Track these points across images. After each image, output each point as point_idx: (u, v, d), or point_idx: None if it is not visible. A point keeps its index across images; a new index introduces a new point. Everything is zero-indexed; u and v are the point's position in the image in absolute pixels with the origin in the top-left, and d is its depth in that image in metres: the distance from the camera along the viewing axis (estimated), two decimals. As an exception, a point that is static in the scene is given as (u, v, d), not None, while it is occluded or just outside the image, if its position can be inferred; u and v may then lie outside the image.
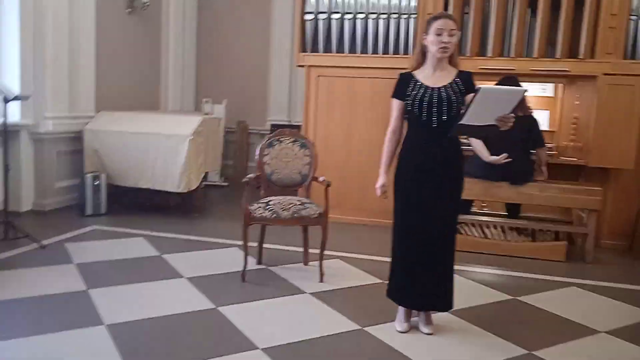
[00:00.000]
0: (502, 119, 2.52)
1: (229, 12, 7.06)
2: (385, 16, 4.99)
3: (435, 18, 2.68)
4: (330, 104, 5.21)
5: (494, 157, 4.08)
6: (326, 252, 3.85)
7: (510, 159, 4.07)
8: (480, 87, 2.42)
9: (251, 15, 6.99)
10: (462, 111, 2.59)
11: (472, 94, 2.54)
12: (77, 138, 5.25)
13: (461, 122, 2.54)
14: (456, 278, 3.67)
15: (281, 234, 4.19)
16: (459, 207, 2.83)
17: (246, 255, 3.46)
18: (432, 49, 2.67)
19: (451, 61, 2.74)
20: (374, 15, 5.02)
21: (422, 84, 2.72)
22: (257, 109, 7.04)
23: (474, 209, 4.76)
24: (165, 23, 6.63)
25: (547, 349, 2.71)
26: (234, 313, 2.96)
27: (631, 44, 4.62)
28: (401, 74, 2.81)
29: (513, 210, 4.65)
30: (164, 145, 4.90)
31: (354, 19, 5.07)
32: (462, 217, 4.54)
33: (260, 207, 3.45)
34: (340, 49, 5.16)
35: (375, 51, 5.05)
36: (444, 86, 2.69)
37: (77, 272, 3.48)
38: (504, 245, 4.41)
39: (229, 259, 3.89)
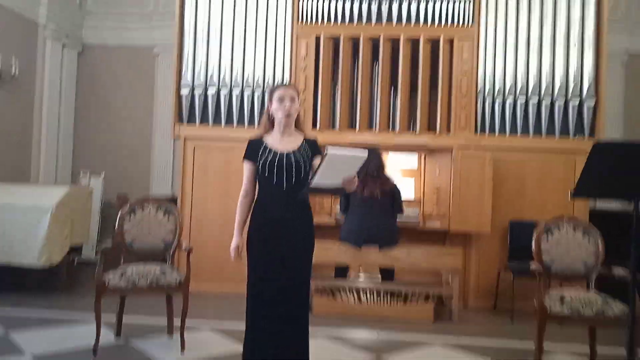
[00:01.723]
0: (348, 181, 2.68)
1: (110, 82, 7.00)
2: (260, 90, 5.22)
3: (276, 88, 2.87)
4: (207, 174, 5.23)
5: None
6: (195, 322, 3.73)
7: None
8: (327, 151, 2.56)
9: (133, 86, 6.98)
10: (311, 173, 2.71)
11: (320, 157, 2.68)
12: None
13: (311, 184, 2.66)
14: (324, 342, 3.72)
15: (146, 305, 3.99)
16: (310, 267, 2.88)
17: (98, 328, 3.25)
18: (277, 115, 2.82)
19: (297, 127, 2.91)
20: (249, 90, 5.24)
21: (271, 148, 2.83)
22: (139, 182, 6.86)
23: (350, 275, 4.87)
24: (38, 94, 6.41)
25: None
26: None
27: (480, 120, 5.17)
28: (251, 139, 2.91)
29: (387, 274, 4.80)
30: (23, 218, 4.60)
31: (230, 93, 5.25)
32: (338, 283, 4.63)
33: (115, 276, 3.29)
34: (217, 121, 5.28)
35: (251, 122, 5.22)
36: (293, 151, 2.83)
37: None
38: (376, 309, 4.50)
39: (86, 335, 3.57)
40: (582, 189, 2.47)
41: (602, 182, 2.45)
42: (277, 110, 2.81)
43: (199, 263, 4.60)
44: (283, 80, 5.19)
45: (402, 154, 5.24)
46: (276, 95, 2.82)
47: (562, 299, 3.18)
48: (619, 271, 3.21)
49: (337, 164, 2.61)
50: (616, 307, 3.09)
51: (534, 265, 3.48)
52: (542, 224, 3.58)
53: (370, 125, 5.25)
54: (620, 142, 2.89)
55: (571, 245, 3.47)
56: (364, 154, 2.69)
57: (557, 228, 3.53)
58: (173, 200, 5.39)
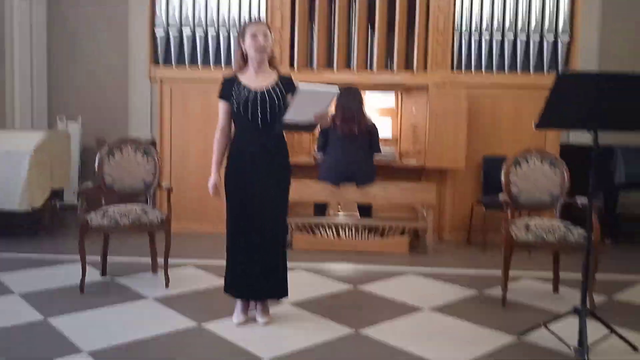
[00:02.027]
0: (320, 116, 2.75)
1: (83, 25, 6.79)
2: (235, 30, 5.14)
3: (248, 25, 2.87)
4: (185, 116, 5.23)
5: None
6: (179, 260, 3.84)
7: None
8: (298, 87, 2.60)
9: (107, 28, 6.78)
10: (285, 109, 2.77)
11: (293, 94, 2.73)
12: None
13: (283, 119, 2.72)
14: (303, 275, 3.89)
15: (129, 246, 4.11)
16: (287, 200, 2.99)
17: (84, 266, 3.35)
18: (250, 52, 2.83)
19: (271, 64, 2.93)
20: (225, 30, 5.16)
21: (245, 85, 2.86)
22: (117, 125, 6.79)
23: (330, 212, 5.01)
24: (8, 37, 6.23)
25: (373, 326, 2.94)
26: (64, 322, 2.86)
27: (457, 57, 5.20)
28: (225, 77, 2.94)
29: (365, 211, 4.94)
30: (3, 163, 4.60)
31: (205, 32, 5.17)
32: (318, 220, 4.78)
33: (97, 215, 3.36)
34: (193, 61, 5.23)
35: (228, 63, 5.16)
36: (267, 88, 2.86)
37: None
38: (354, 244, 4.68)
39: (72, 274, 3.69)
40: (545, 120, 2.56)
41: (564, 112, 2.54)
42: (250, 46, 2.82)
43: (180, 203, 4.70)
44: (259, 18, 5.11)
45: (380, 93, 5.27)
46: (248, 31, 2.83)
47: (527, 227, 3.35)
48: (582, 200, 3.36)
49: (309, 100, 2.67)
50: (577, 233, 3.27)
51: (502, 197, 3.62)
52: (511, 157, 3.70)
53: (347, 64, 5.24)
54: (584, 72, 2.95)
55: (538, 177, 3.60)
56: (335, 89, 2.74)
57: (525, 160, 3.65)
58: (153, 143, 5.41)
